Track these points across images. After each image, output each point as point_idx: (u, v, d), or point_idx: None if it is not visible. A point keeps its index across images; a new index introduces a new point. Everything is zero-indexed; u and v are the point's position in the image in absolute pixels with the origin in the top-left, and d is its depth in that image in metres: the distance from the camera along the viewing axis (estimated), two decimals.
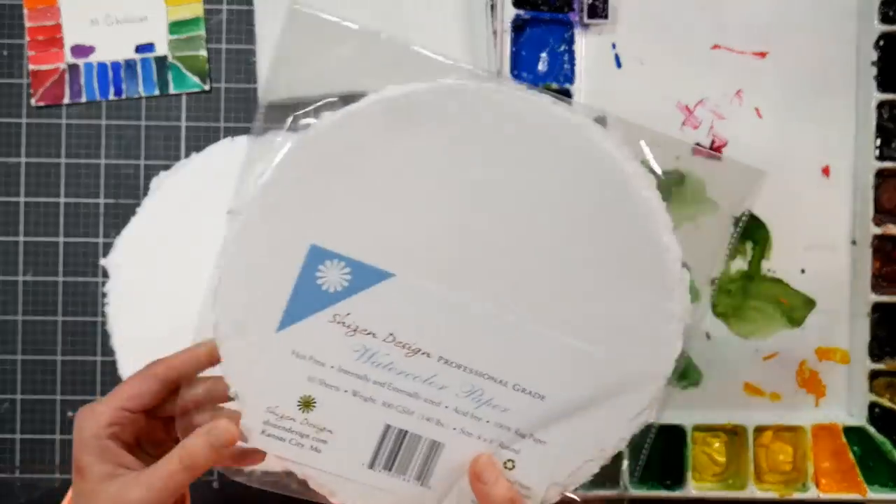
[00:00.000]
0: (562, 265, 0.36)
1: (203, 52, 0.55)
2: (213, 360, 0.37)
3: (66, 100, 0.55)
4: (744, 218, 0.40)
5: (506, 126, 0.36)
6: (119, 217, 0.55)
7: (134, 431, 0.37)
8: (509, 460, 0.37)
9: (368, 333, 0.36)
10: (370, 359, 0.36)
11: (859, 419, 0.53)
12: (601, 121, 0.38)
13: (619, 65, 0.54)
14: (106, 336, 0.54)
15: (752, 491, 0.52)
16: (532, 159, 0.36)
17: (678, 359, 0.37)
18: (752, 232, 0.54)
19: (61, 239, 0.55)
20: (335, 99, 0.38)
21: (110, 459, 0.35)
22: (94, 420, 0.35)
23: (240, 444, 0.37)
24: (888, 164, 0.53)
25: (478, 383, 0.37)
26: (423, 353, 0.36)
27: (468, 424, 0.37)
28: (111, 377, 0.54)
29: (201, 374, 0.38)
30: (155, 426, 0.38)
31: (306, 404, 0.36)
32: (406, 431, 0.37)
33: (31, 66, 0.55)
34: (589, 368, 0.37)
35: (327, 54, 0.38)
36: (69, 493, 0.36)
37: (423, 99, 0.36)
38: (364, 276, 0.36)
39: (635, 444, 0.38)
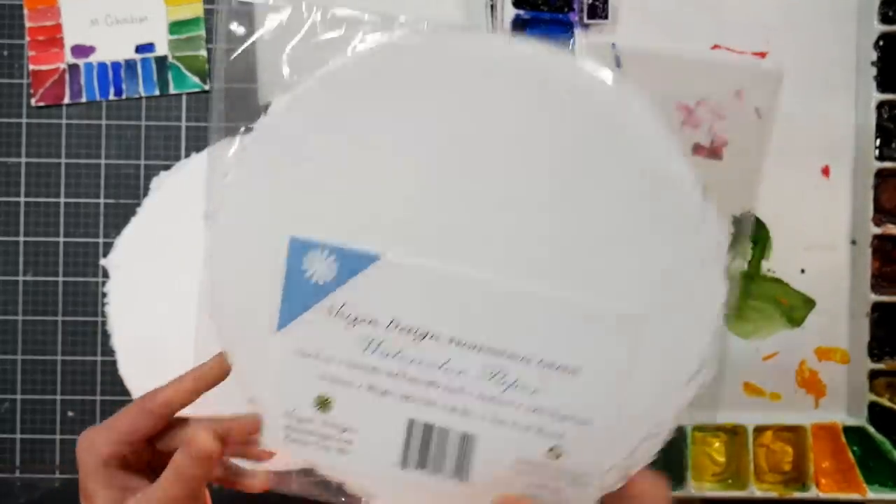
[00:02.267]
0: (565, 217, 0.33)
1: (203, 52, 0.55)
2: (201, 389, 0.36)
3: (67, 100, 0.55)
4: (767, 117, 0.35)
5: (465, 75, 0.33)
6: (119, 217, 0.55)
7: (142, 459, 0.37)
8: (554, 447, 0.34)
9: (370, 322, 0.33)
10: (377, 349, 0.34)
11: (859, 419, 0.53)
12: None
13: (618, 65, 0.54)
14: (106, 336, 0.54)
15: (752, 491, 0.52)
16: (502, 102, 0.33)
17: (724, 304, 0.33)
18: (752, 232, 0.54)
19: (61, 239, 0.55)
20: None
21: (116, 485, 0.35)
22: (95, 452, 0.35)
23: (241, 462, 0.36)
24: (888, 164, 0.53)
25: (498, 364, 0.33)
26: (431, 337, 0.33)
27: (498, 411, 0.34)
28: (111, 377, 0.54)
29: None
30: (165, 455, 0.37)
31: (323, 403, 0.34)
32: (432, 425, 0.34)
33: (32, 66, 0.55)
34: (621, 329, 0.33)
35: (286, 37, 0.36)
36: None
37: (370, 63, 0.33)
38: (351, 262, 0.33)
39: None
